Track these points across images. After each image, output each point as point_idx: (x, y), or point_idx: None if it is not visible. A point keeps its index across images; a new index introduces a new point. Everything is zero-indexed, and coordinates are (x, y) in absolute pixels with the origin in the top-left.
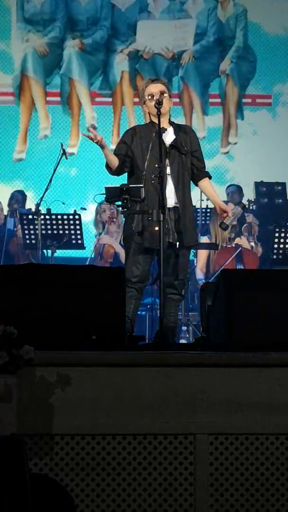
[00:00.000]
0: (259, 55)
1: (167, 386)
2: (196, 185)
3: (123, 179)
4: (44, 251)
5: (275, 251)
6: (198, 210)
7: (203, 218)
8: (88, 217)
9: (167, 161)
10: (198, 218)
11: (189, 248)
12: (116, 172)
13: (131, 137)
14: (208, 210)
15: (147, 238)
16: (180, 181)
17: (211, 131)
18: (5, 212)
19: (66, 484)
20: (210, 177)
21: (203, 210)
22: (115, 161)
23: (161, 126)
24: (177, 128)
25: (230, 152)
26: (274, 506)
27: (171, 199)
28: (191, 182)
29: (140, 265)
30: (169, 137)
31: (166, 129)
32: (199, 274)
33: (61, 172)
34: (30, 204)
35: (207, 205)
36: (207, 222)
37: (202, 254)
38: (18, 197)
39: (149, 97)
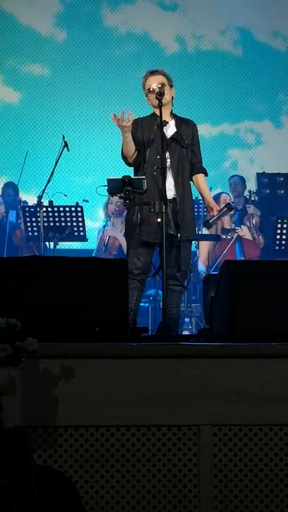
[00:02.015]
0: (263, 67)
1: (170, 377)
2: (190, 178)
3: (125, 171)
4: (47, 243)
5: (277, 242)
6: (200, 201)
7: (205, 210)
8: (97, 224)
9: (167, 154)
10: (200, 210)
11: (188, 241)
12: (134, 161)
13: (135, 128)
14: None
15: (145, 231)
16: (180, 174)
17: (215, 139)
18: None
19: (70, 475)
20: (206, 174)
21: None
22: (133, 148)
23: (163, 119)
24: (179, 120)
25: (234, 161)
26: (278, 497)
27: (170, 191)
28: None
29: (142, 256)
30: (170, 130)
31: (167, 122)
32: (201, 266)
33: (63, 164)
34: (25, 196)
35: None
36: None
37: (204, 246)
38: (9, 191)
39: (150, 89)
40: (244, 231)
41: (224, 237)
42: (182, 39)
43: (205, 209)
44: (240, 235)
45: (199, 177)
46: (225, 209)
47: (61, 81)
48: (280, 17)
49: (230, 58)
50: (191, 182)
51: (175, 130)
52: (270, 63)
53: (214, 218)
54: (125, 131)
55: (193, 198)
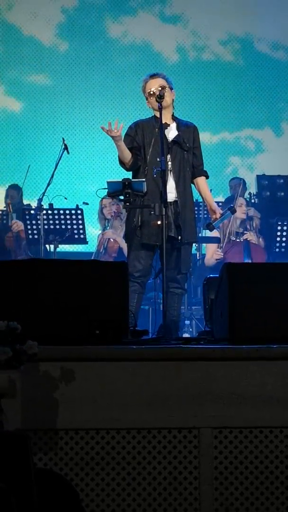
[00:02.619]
0: (264, 76)
1: (171, 380)
2: (191, 181)
3: (125, 173)
4: (47, 246)
5: (277, 244)
6: (201, 203)
7: (205, 212)
8: (97, 226)
9: (168, 156)
10: (201, 212)
11: (188, 243)
12: (131, 166)
13: (135, 130)
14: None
15: (146, 233)
16: (181, 177)
17: (215, 147)
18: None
19: (71, 478)
20: (207, 176)
21: (205, 204)
22: (128, 155)
23: (164, 122)
24: (180, 123)
25: (235, 168)
26: (279, 499)
27: (171, 194)
28: None
29: (142, 259)
30: (171, 133)
31: (169, 125)
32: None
33: (63, 167)
34: (25, 201)
35: None
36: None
37: (211, 247)
38: (13, 193)
39: (150, 92)
40: (251, 236)
41: (234, 238)
42: (183, 50)
43: (205, 212)
44: (248, 239)
45: (200, 180)
46: (228, 212)
47: (62, 85)
48: (281, 27)
49: (231, 67)
50: (192, 185)
51: (176, 133)
52: (271, 71)
53: (218, 220)
54: (117, 140)
55: (194, 200)
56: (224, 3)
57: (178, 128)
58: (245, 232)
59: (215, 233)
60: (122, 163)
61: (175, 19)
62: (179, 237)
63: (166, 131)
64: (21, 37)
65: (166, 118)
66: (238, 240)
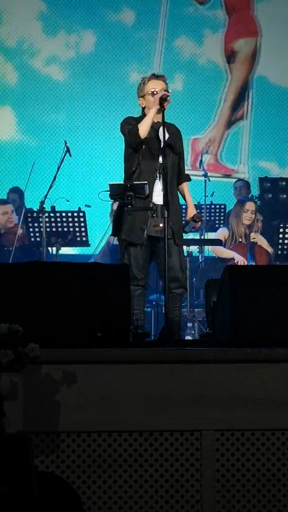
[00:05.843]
0: (269, 106)
1: (173, 382)
2: (177, 185)
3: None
4: (49, 248)
5: (279, 246)
6: (203, 206)
7: (207, 214)
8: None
9: (160, 158)
10: (203, 214)
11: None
12: (140, 143)
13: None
14: (217, 206)
15: (152, 231)
16: (169, 180)
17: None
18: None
19: (72, 481)
20: (189, 180)
21: (207, 206)
22: (147, 131)
23: (156, 121)
24: (168, 126)
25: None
26: (280, 502)
27: (159, 197)
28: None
29: (141, 260)
30: (162, 135)
31: (159, 127)
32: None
33: (65, 169)
34: (31, 202)
35: (211, 201)
36: (212, 218)
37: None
38: (14, 196)
39: (153, 92)
40: (259, 239)
41: (241, 240)
42: (191, 88)
43: (208, 213)
44: (256, 241)
45: (185, 185)
46: (191, 221)
47: (63, 87)
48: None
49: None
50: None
51: (167, 135)
52: (277, 104)
53: (186, 227)
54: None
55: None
56: None
57: (168, 130)
58: (251, 234)
59: (223, 232)
60: (138, 135)
61: (184, 64)
62: (174, 239)
63: (159, 133)
64: (39, 78)
65: (158, 118)
66: (245, 242)
